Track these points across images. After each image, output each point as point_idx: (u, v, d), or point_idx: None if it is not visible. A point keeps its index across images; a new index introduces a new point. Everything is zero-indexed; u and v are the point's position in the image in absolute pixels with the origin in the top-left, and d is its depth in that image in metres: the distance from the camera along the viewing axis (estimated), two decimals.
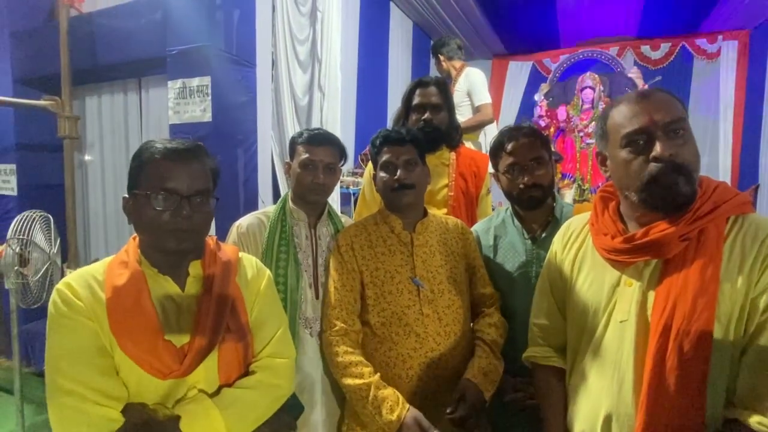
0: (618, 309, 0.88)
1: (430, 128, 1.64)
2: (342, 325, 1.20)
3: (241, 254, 1.07)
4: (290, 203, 1.32)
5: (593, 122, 5.01)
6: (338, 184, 3.16)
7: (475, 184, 1.71)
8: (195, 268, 0.96)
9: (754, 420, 0.74)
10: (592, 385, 0.91)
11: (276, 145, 2.85)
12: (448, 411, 1.10)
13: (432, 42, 3.42)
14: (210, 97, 2.11)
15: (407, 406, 1.10)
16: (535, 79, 6.02)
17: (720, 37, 5.28)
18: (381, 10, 4.51)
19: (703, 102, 5.40)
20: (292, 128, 2.92)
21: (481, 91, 2.96)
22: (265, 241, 1.25)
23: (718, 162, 5.28)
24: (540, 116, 5.57)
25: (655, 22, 5.09)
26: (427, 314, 1.20)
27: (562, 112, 5.37)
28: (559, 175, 5.27)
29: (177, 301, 0.93)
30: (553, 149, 5.50)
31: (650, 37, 5.48)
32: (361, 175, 3.43)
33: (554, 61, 5.93)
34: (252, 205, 2.28)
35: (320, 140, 1.27)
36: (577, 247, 1.01)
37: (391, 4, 4.66)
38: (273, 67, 2.81)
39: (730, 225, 0.82)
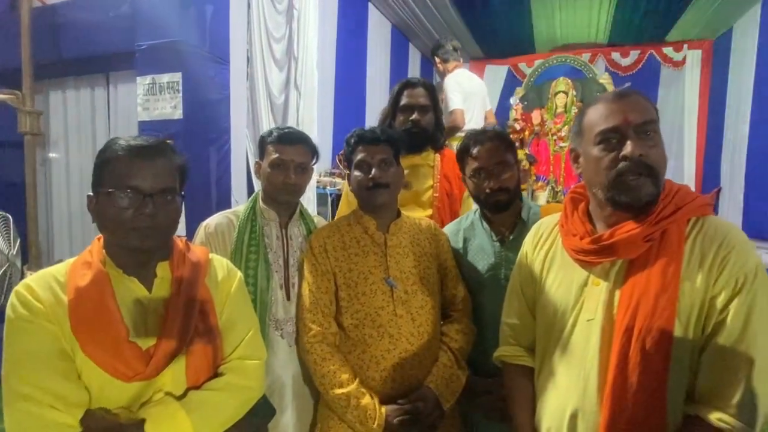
0: (585, 308, 0.90)
1: (417, 129, 1.65)
2: (318, 328, 1.19)
3: (211, 255, 1.05)
4: (261, 203, 1.30)
5: (566, 126, 5.14)
6: (315, 185, 3.14)
7: (459, 185, 1.72)
8: (163, 270, 0.94)
9: (714, 416, 0.77)
10: (559, 383, 0.93)
11: (251, 144, 2.80)
12: (399, 401, 1.13)
13: (432, 45, 3.49)
14: (181, 94, 2.06)
15: (383, 413, 1.12)
16: (511, 83, 6.14)
17: (685, 46, 5.50)
18: (359, 10, 4.50)
19: (670, 108, 5.61)
20: (267, 127, 2.88)
21: (449, 98, 3.01)
22: (234, 241, 1.23)
23: (683, 166, 5.50)
24: (515, 119, 5.67)
25: (624, 30, 5.26)
26: (401, 315, 1.20)
27: (536, 116, 5.48)
28: (534, 178, 5.38)
29: (143, 302, 0.91)
30: (527, 152, 5.66)
31: (620, 44, 5.66)
32: (339, 176, 3.41)
33: (529, 66, 6.06)
34: (225, 204, 2.23)
35: (291, 139, 1.25)
36: (547, 247, 1.03)
37: (370, 5, 4.66)
38: (248, 65, 2.77)
39: (691, 226, 0.85)
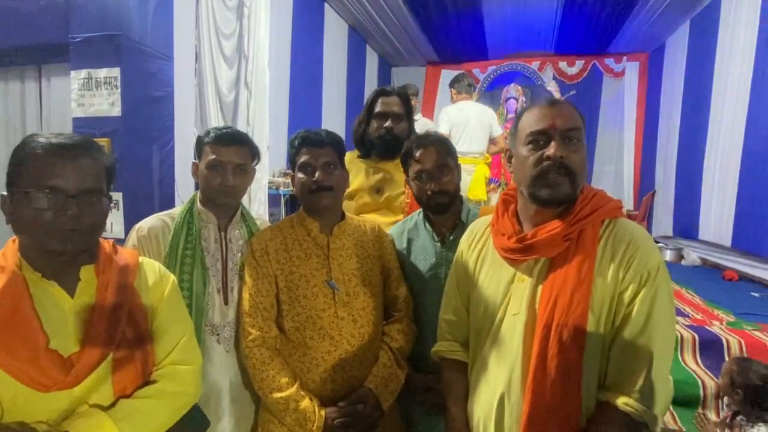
0: (512, 303, 0.95)
1: (390, 136, 1.69)
2: (257, 332, 1.18)
3: (142, 259, 1.02)
4: (198, 204, 1.26)
5: None
6: (266, 186, 3.09)
7: None
8: (87, 273, 0.90)
9: (621, 401, 0.84)
10: (489, 375, 0.98)
11: None
12: (340, 404, 1.15)
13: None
14: (119, 90, 1.97)
15: (322, 416, 1.13)
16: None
17: (625, 58, 5.89)
18: (314, 10, 4.48)
19: (611, 115, 5.99)
20: (216, 125, 2.81)
21: (438, 124, 3.59)
22: (168, 245, 1.19)
23: (623, 170, 5.88)
24: None
25: (570, 40, 5.56)
26: (342, 317, 1.21)
27: None
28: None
29: (65, 308, 0.86)
30: None
31: (567, 54, 5.98)
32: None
33: (483, 72, 6.27)
34: (169, 205, 2.14)
35: (228, 140, 1.22)
36: (480, 246, 1.08)
37: (326, 5, 4.65)
38: (196, 62, 2.69)
39: (604, 227, 0.92)
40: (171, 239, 1.20)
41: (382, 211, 1.74)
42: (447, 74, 6.47)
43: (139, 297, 0.95)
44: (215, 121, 2.83)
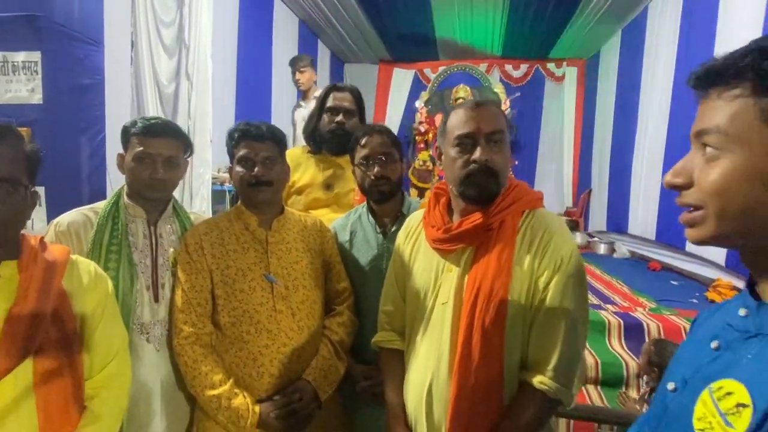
0: (441, 292, 1.00)
1: (341, 131, 1.69)
2: (190, 329, 1.15)
3: (74, 257, 0.97)
4: (125, 198, 1.20)
5: None
6: (209, 181, 2.98)
7: None
8: (8, 269, 0.86)
9: (536, 380, 0.90)
10: (420, 362, 1.01)
11: None
12: (276, 398, 1.15)
13: None
14: (40, 76, 1.82)
15: (256, 412, 1.12)
16: (417, 87, 6.41)
17: (564, 63, 6.22)
18: (263, 3, 4.37)
19: (552, 117, 6.30)
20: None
21: None
22: (91, 240, 1.13)
23: (563, 169, 6.21)
24: (420, 122, 5.94)
25: (515, 45, 5.79)
26: (281, 310, 1.20)
27: (439, 120, 5.79)
28: (437, 177, 5.69)
29: None
30: (431, 153, 5.92)
31: (512, 57, 6.22)
32: None
33: (434, 72, 6.39)
34: (100, 200, 2.02)
35: (157, 131, 1.17)
36: (414, 238, 1.12)
37: None
38: (132, 49, 2.54)
39: (524, 218, 0.99)
40: (94, 235, 1.13)
41: (332, 207, 1.74)
42: (399, 73, 6.54)
43: (67, 298, 0.91)
44: (153, 112, 2.69)
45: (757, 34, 2.44)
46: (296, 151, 1.84)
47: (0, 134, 0.83)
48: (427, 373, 0.98)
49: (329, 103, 1.73)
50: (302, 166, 1.76)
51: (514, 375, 0.93)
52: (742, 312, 0.47)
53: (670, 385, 0.50)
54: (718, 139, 0.45)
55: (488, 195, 0.97)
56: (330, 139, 1.71)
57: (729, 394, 0.41)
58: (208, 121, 2.87)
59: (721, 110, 0.45)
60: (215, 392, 1.11)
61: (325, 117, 1.72)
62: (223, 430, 1.14)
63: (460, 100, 5.64)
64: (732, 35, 2.79)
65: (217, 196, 3.12)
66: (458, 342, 0.92)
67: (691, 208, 0.49)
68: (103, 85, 2.07)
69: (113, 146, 2.20)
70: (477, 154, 0.95)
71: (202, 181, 2.80)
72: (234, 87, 3.82)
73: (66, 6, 1.89)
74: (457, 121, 0.99)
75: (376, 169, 1.32)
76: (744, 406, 0.39)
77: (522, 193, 1.00)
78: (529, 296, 0.93)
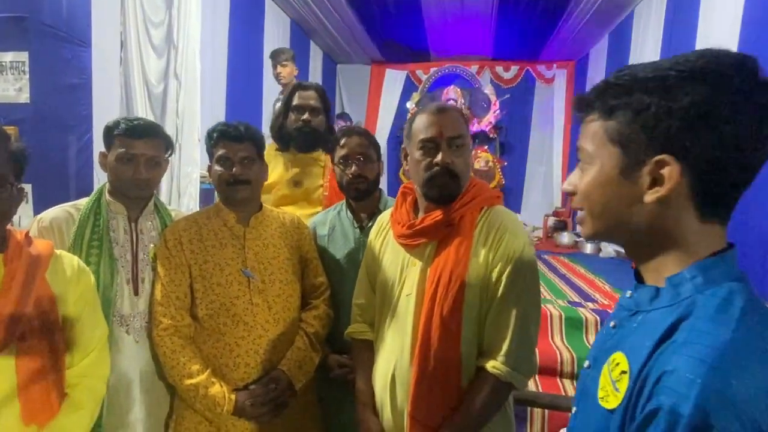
0: (406, 285, 1.06)
1: (308, 129, 1.73)
2: (169, 321, 1.19)
3: (59, 251, 1.01)
4: (107, 195, 1.25)
5: None
6: (198, 180, 3.02)
7: None
8: None
9: (490, 365, 0.97)
10: (386, 350, 1.08)
11: None
12: (252, 386, 1.20)
13: None
14: (28, 76, 1.85)
15: (233, 399, 1.17)
16: (408, 88, 6.46)
17: (554, 65, 6.29)
18: (254, 3, 4.40)
19: (542, 119, 6.37)
20: (144, 117, 2.70)
21: None
22: (73, 235, 1.17)
23: (552, 170, 6.28)
24: None
25: (505, 47, 5.86)
26: (257, 303, 1.24)
27: None
28: None
29: None
30: None
31: (503, 59, 6.29)
32: None
33: (425, 73, 6.44)
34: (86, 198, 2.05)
35: (140, 132, 1.20)
36: (384, 234, 1.18)
37: None
38: (122, 50, 2.57)
39: (482, 214, 1.06)
40: (76, 230, 1.17)
41: (300, 203, 1.78)
42: (391, 74, 6.58)
43: (50, 290, 0.95)
44: (143, 112, 2.72)
45: (735, 38, 2.52)
46: (265, 149, 1.88)
47: None
48: (392, 359, 1.04)
49: (295, 101, 1.76)
50: (271, 164, 1.81)
51: (471, 361, 1.00)
52: (627, 294, 0.55)
53: (586, 363, 0.56)
54: (585, 155, 0.57)
55: (449, 195, 1.04)
56: (297, 136, 1.76)
57: (617, 364, 0.48)
58: (197, 120, 2.91)
59: (585, 132, 0.57)
60: (193, 381, 1.15)
61: (292, 115, 1.76)
62: (201, 417, 1.19)
63: (451, 102, 5.71)
64: (711, 40, 2.87)
65: (206, 195, 3.15)
66: (419, 330, 0.98)
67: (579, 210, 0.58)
68: (91, 85, 2.11)
69: (100, 145, 2.24)
70: (439, 157, 1.02)
71: (189, 179, 2.84)
72: (224, 87, 3.85)
73: (54, 7, 1.93)
74: (421, 126, 1.05)
75: (353, 168, 1.37)
76: (624, 372, 0.46)
77: (481, 191, 1.06)
78: (485, 286, 0.99)
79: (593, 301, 2.82)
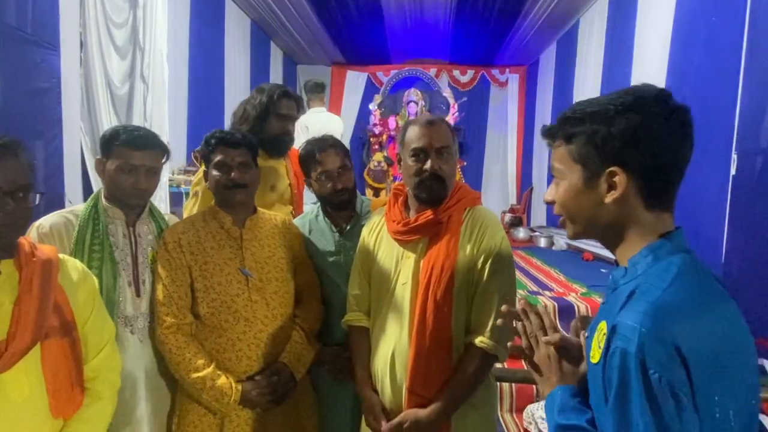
0: (401, 275, 1.21)
1: (288, 138, 1.83)
2: (172, 320, 1.24)
3: (62, 255, 1.05)
4: (104, 201, 1.27)
5: None
6: (167, 183, 2.98)
7: (302, 181, 1.91)
8: (7, 267, 0.93)
9: (477, 340, 1.14)
10: (386, 333, 1.22)
11: (87, 138, 2.54)
12: (256, 377, 1.28)
13: None
14: None
15: (239, 389, 1.24)
16: (370, 90, 6.57)
17: (507, 69, 6.64)
18: (215, 3, 4.35)
19: (497, 121, 6.71)
20: (107, 119, 2.64)
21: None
22: (74, 241, 1.20)
23: (507, 169, 6.64)
24: (374, 124, 6.12)
25: (462, 51, 6.12)
26: (256, 300, 1.32)
27: (392, 122, 6.01)
28: (391, 178, 5.89)
29: None
30: (386, 155, 6.10)
31: (460, 63, 6.56)
32: (195, 174, 3.28)
33: (386, 75, 6.58)
34: (57, 205, 1.99)
35: (143, 144, 1.23)
36: (378, 231, 1.32)
37: None
38: (81, 50, 2.50)
39: (467, 213, 1.23)
40: (76, 235, 1.20)
41: (276, 206, 1.83)
42: (352, 76, 6.66)
43: (63, 291, 1.00)
44: (106, 115, 2.66)
45: (666, 46, 2.86)
46: None
47: (14, 146, 0.91)
48: (391, 341, 1.19)
49: (282, 110, 1.79)
50: None
51: (460, 339, 1.16)
52: (610, 276, 0.72)
53: (586, 333, 0.72)
54: (557, 172, 0.71)
55: (437, 197, 1.19)
56: (276, 143, 1.80)
57: (601, 330, 0.63)
58: (165, 123, 2.88)
59: (554, 155, 0.71)
60: (200, 374, 1.21)
61: (274, 121, 1.78)
62: (205, 410, 1.26)
63: (412, 104, 5.89)
64: (646, 47, 3.21)
65: (174, 198, 3.12)
66: (415, 314, 1.13)
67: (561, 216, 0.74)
68: (59, 89, 2.06)
69: (68, 151, 2.19)
70: (428, 164, 1.17)
71: (159, 183, 2.80)
72: (186, 88, 3.80)
73: (20, 9, 1.88)
74: (413, 136, 1.21)
75: (336, 184, 1.42)
76: (605, 334, 0.61)
77: (465, 193, 1.24)
78: (470, 274, 1.16)
79: (550, 289, 3.08)
